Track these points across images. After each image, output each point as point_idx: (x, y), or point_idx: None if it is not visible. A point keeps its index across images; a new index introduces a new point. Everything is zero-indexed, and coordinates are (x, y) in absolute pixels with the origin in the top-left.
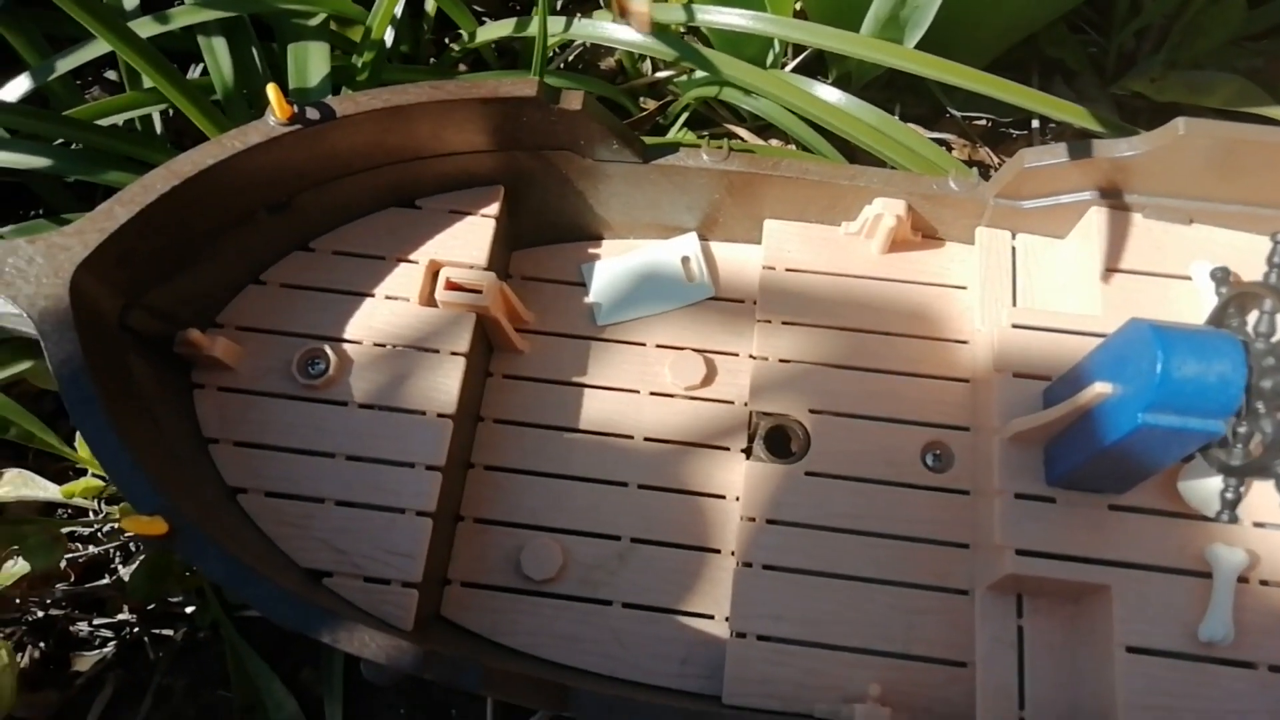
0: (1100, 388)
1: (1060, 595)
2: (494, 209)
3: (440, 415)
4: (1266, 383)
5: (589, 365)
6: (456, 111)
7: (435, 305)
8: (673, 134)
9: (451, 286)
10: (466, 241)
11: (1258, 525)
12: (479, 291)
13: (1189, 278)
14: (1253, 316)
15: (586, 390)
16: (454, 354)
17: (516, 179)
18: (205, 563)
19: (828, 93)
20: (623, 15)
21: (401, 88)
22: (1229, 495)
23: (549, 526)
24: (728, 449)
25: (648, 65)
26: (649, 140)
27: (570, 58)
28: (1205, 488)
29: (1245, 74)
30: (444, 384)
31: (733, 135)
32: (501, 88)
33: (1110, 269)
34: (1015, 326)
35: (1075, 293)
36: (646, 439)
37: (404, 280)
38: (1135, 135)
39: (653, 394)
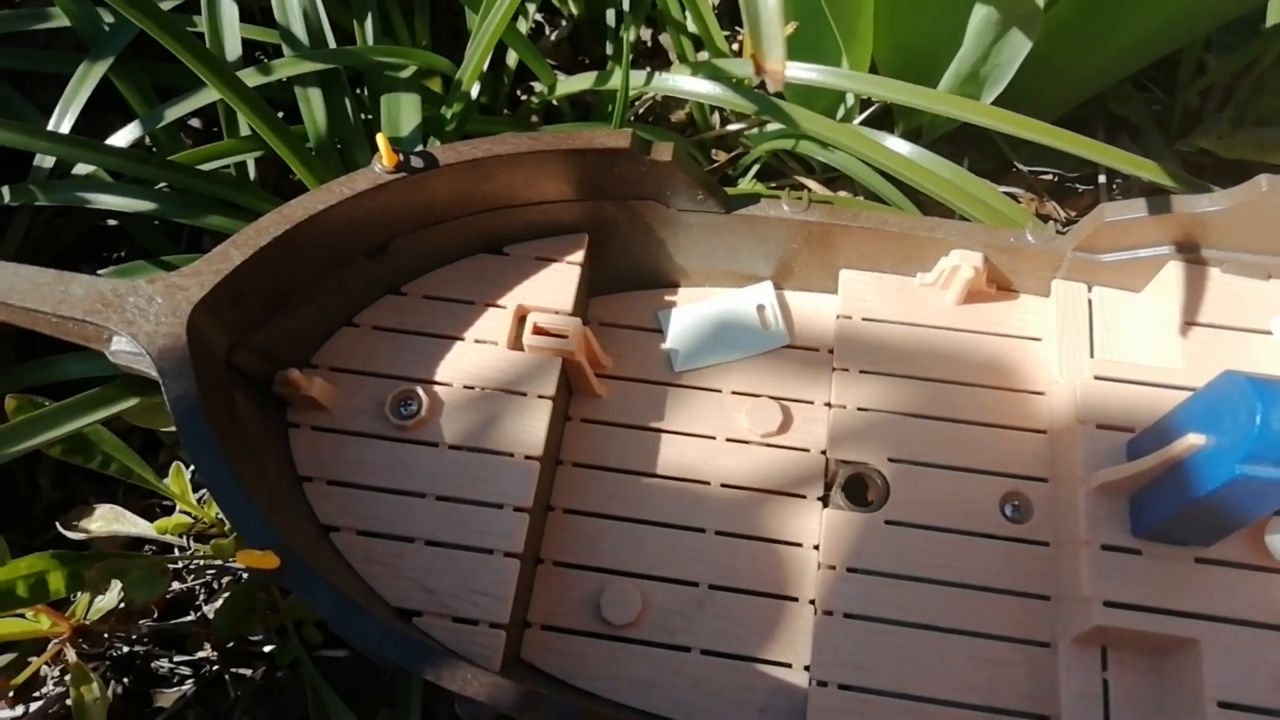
0: (1193, 439)
1: (1145, 649)
2: (579, 256)
3: (528, 457)
4: None
5: (666, 411)
6: (550, 162)
7: (522, 349)
8: (743, 185)
9: (538, 331)
10: (552, 288)
11: None
12: (565, 336)
13: (1269, 332)
14: None
15: (664, 435)
16: (541, 397)
17: (601, 227)
18: (315, 597)
19: (899, 145)
20: (759, 73)
21: (498, 138)
22: None
23: (627, 571)
24: (804, 497)
25: (716, 118)
26: (731, 191)
27: (641, 110)
28: None
29: None
30: (531, 426)
31: (803, 186)
32: (597, 139)
33: (1189, 322)
34: (1097, 378)
35: (1154, 346)
36: (723, 485)
37: (492, 324)
38: (1212, 191)
39: (729, 440)
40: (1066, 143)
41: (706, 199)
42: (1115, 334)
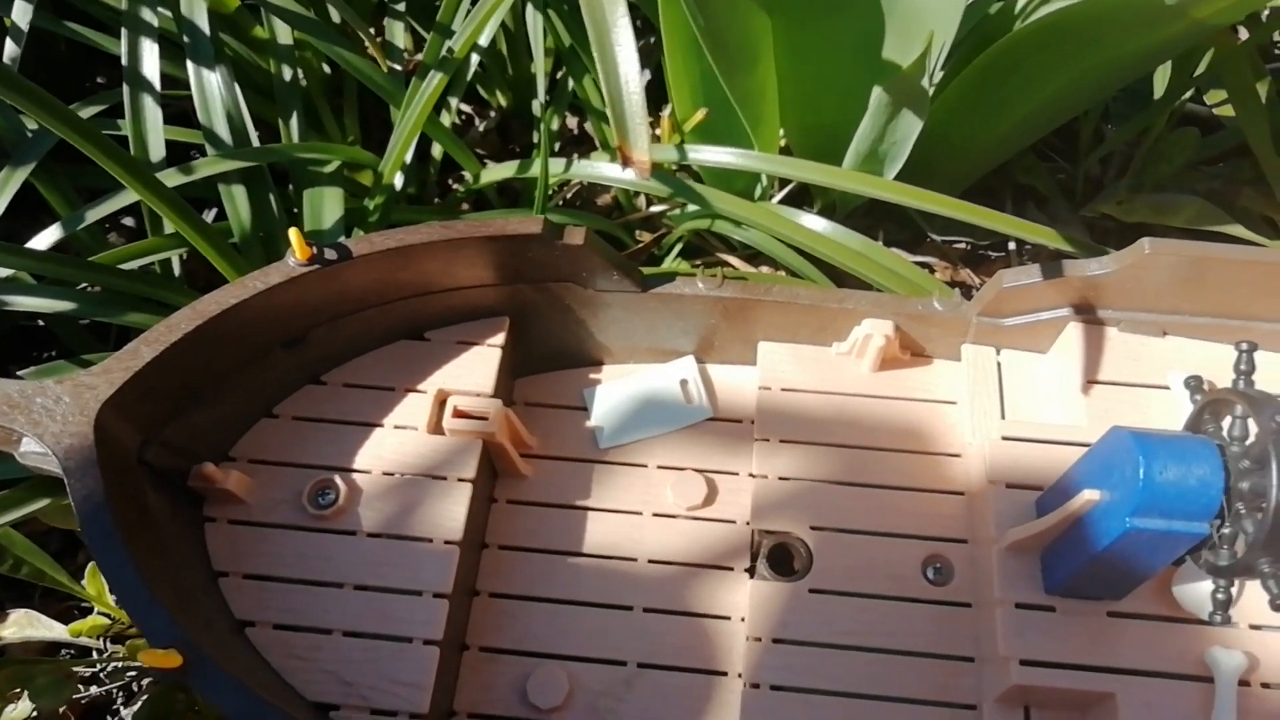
0: (1089, 494)
1: (1067, 705)
2: (500, 339)
3: (447, 542)
4: (1244, 484)
5: (592, 488)
6: (465, 249)
7: (443, 433)
8: (668, 264)
9: (459, 414)
10: (473, 371)
11: (1254, 627)
12: (485, 418)
13: (1166, 387)
14: (1226, 421)
15: (590, 513)
16: (461, 480)
17: (521, 310)
18: (220, 696)
19: (813, 222)
20: (625, 164)
21: (414, 228)
22: (1220, 596)
23: (555, 653)
24: (731, 569)
25: (642, 200)
26: (646, 270)
27: (569, 195)
28: (1199, 591)
29: (1205, 195)
30: (451, 511)
31: (725, 263)
32: (508, 226)
33: (1091, 381)
34: (1005, 439)
35: (1060, 405)
36: (650, 561)
37: (413, 410)
38: (1105, 254)
39: (655, 515)
40: (964, 212)
41: (622, 279)
42: (1024, 394)
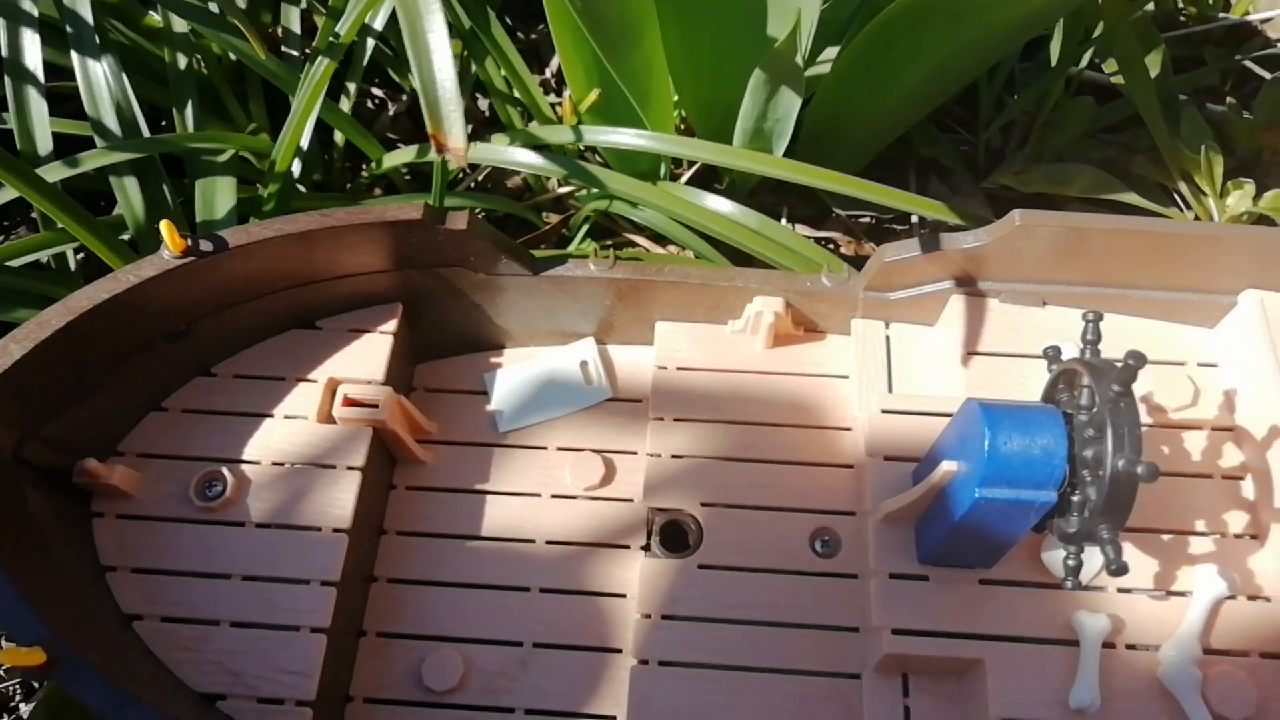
0: (947, 466)
1: (943, 673)
2: (391, 326)
3: (336, 530)
4: (1088, 452)
5: (491, 472)
6: (347, 237)
7: (333, 422)
8: (575, 246)
9: (349, 403)
10: (365, 358)
11: (1122, 591)
12: (375, 406)
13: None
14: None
15: (489, 497)
16: (350, 469)
17: (414, 296)
18: (84, 692)
19: (714, 201)
20: (439, 151)
21: (292, 217)
22: (1070, 563)
23: (452, 636)
24: (628, 547)
25: (554, 182)
26: (539, 253)
27: (480, 177)
28: (1062, 557)
29: (1100, 164)
30: (339, 499)
31: (632, 244)
32: (389, 213)
33: (971, 352)
34: (885, 411)
35: (942, 377)
36: (548, 542)
37: (303, 400)
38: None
39: (554, 496)
40: (849, 186)
41: (512, 262)
42: (911, 367)
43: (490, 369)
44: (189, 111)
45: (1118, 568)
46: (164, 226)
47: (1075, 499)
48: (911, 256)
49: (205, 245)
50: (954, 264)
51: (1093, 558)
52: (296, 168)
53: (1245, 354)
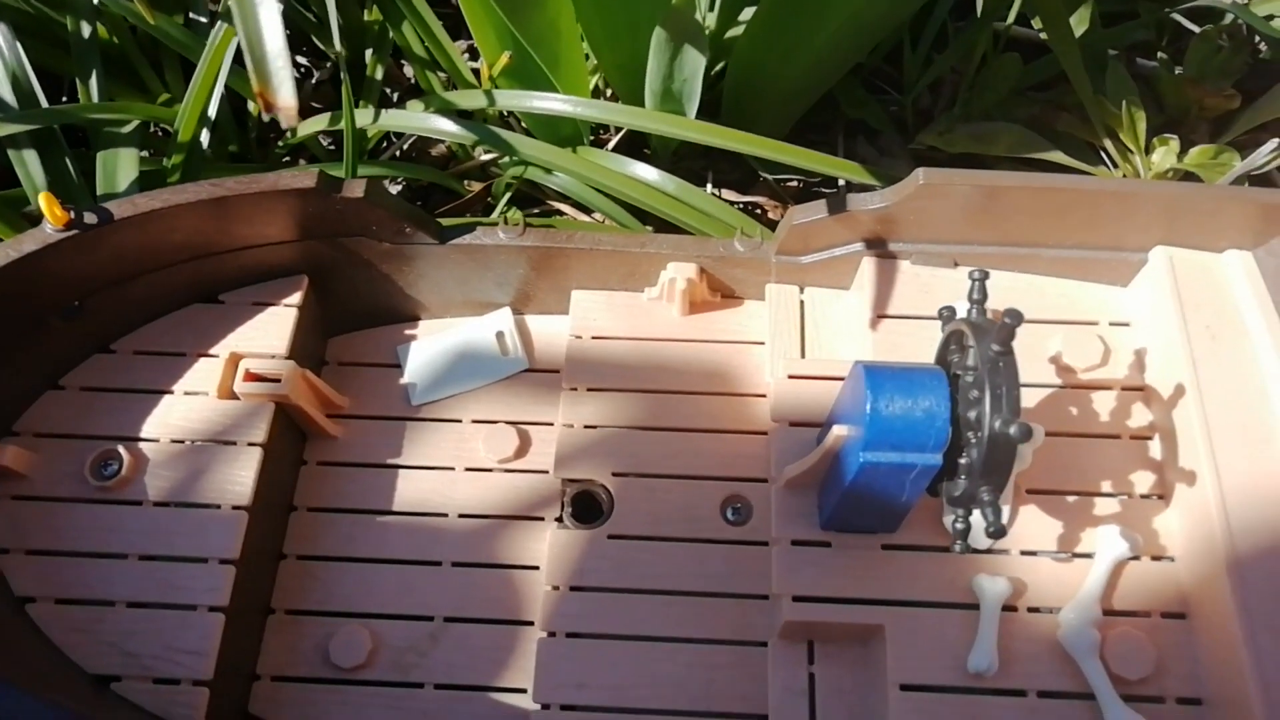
0: (838, 430)
1: (848, 639)
2: (296, 298)
3: (235, 508)
4: (971, 413)
5: (404, 446)
6: (241, 206)
7: (235, 398)
8: (497, 214)
9: (250, 377)
10: (268, 332)
11: (1025, 554)
12: (278, 380)
13: None
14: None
15: (401, 471)
16: (251, 445)
17: (319, 267)
18: None
19: (638, 168)
20: (268, 110)
21: (181, 187)
22: (959, 525)
23: (362, 612)
24: (543, 519)
25: (479, 151)
26: (446, 221)
27: (405, 146)
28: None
29: (1026, 122)
30: (239, 476)
31: (558, 212)
32: (282, 181)
33: (881, 315)
34: (791, 377)
35: (854, 341)
36: (461, 515)
37: (204, 375)
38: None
39: (468, 470)
40: (758, 147)
41: (416, 231)
42: (826, 332)
43: (404, 341)
44: (94, 81)
45: (995, 530)
46: (42, 199)
47: (963, 461)
48: (819, 219)
49: (90, 218)
50: (863, 225)
51: None
52: (205, 138)
53: (1155, 313)
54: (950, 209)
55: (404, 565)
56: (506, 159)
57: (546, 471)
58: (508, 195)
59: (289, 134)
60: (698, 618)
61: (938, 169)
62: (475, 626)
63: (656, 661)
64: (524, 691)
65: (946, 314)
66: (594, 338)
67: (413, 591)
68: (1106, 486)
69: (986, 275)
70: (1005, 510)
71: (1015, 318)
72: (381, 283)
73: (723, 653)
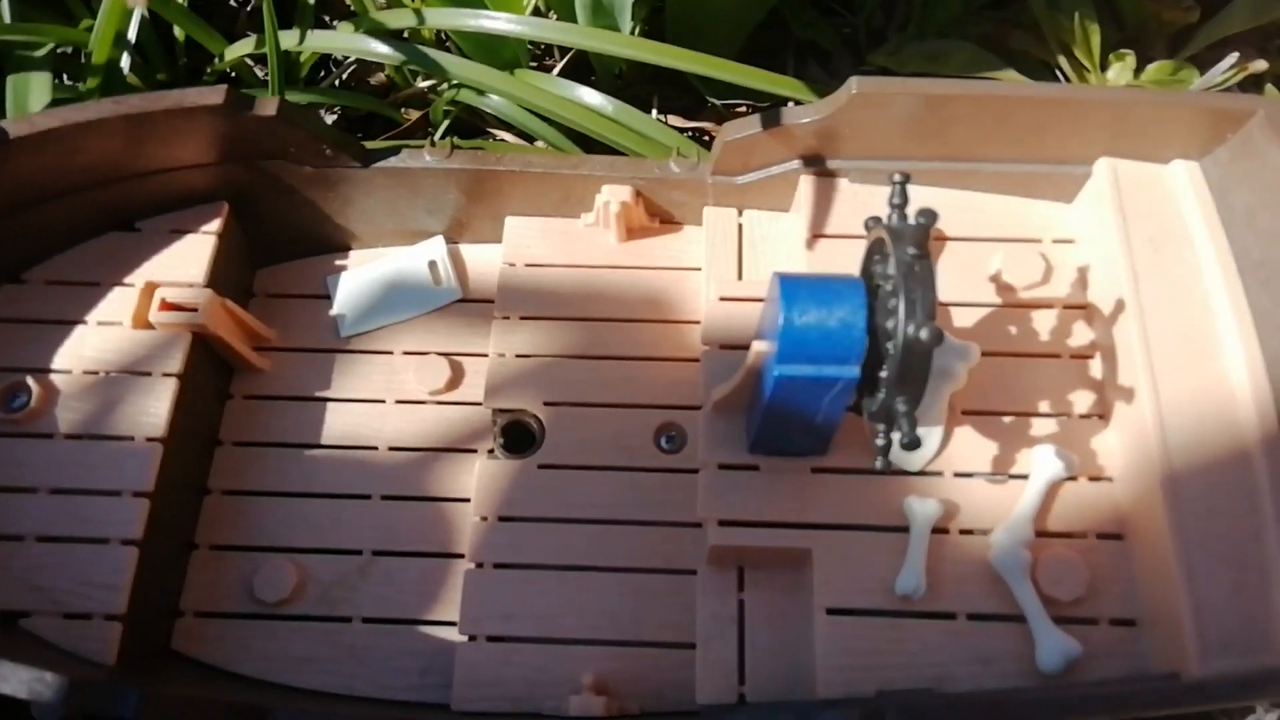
0: (758, 346)
1: (779, 565)
2: (215, 226)
3: (149, 440)
4: (889, 323)
5: (333, 379)
6: (149, 127)
7: (151, 327)
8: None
9: (166, 307)
10: (186, 260)
11: (960, 475)
12: (195, 310)
13: None
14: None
15: (330, 404)
16: (166, 375)
17: (240, 194)
18: None
19: (578, 91)
20: (132, 2)
21: (82, 105)
22: (879, 442)
23: (288, 547)
24: (475, 451)
25: (420, 79)
26: (370, 144)
27: (344, 75)
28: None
29: (979, 40)
30: (154, 407)
31: (499, 140)
32: (187, 98)
33: (818, 235)
34: (723, 299)
35: (790, 263)
36: (391, 448)
37: (119, 305)
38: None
39: (399, 402)
40: (691, 63)
41: (337, 154)
42: (765, 256)
43: (335, 272)
44: (5, 4)
45: (910, 441)
46: None
47: (883, 375)
48: (752, 134)
49: None
50: (799, 141)
51: (928, 440)
52: (126, 63)
53: (1098, 227)
54: (888, 122)
55: (332, 499)
56: (447, 86)
57: (479, 403)
58: (446, 123)
59: (218, 59)
60: (629, 547)
61: (872, 78)
62: (405, 560)
63: (586, 591)
64: (453, 624)
65: (871, 223)
66: (528, 265)
67: (341, 525)
68: (1045, 406)
69: (907, 178)
70: (938, 431)
71: (929, 217)
72: (308, 210)
73: (654, 581)
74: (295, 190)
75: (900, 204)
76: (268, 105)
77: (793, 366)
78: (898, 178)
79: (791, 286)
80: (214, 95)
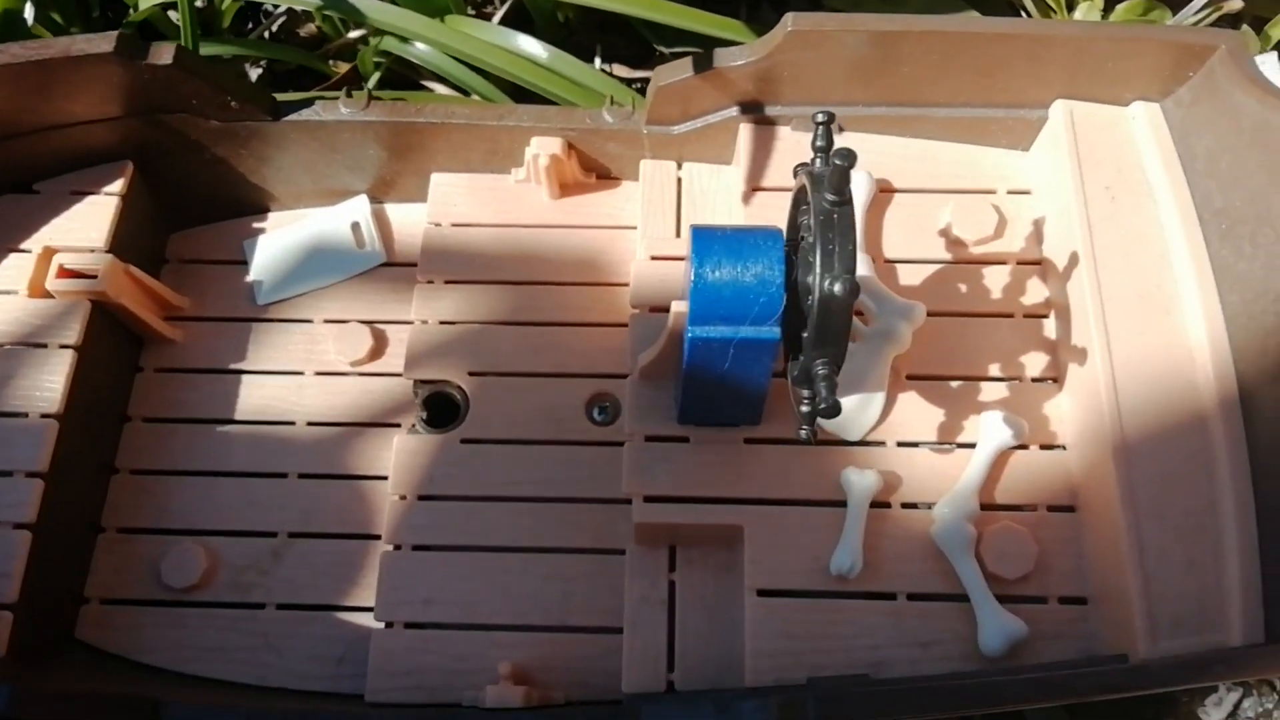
0: (678, 307)
1: (713, 543)
2: (118, 186)
3: (44, 416)
4: (810, 277)
5: (249, 350)
6: (35, 78)
7: (49, 296)
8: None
9: (65, 274)
10: (87, 224)
11: (903, 445)
12: (94, 276)
13: None
14: None
15: (246, 377)
16: (63, 347)
17: (146, 151)
18: None
19: (518, 40)
20: None
21: None
22: (804, 409)
23: (199, 530)
24: (398, 425)
25: (352, 29)
26: (282, 96)
27: (274, 27)
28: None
29: None
30: (48, 381)
31: (430, 93)
32: (74, 46)
33: (755, 188)
34: (654, 258)
35: (731, 219)
36: (310, 424)
37: (15, 272)
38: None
39: (319, 374)
40: (629, 5)
41: (245, 106)
42: (704, 211)
43: (253, 235)
44: None
45: (828, 408)
46: None
47: (807, 335)
48: (684, 79)
49: None
50: (736, 86)
51: (868, 408)
52: (29, 12)
53: (1054, 175)
54: (830, 64)
55: (247, 478)
56: (377, 38)
57: (403, 374)
58: (377, 75)
59: (133, 9)
60: (558, 526)
61: (809, 14)
62: (322, 542)
63: (510, 574)
64: (372, 610)
65: (799, 170)
66: (454, 225)
67: (256, 506)
68: (996, 370)
69: (831, 117)
70: (880, 397)
71: (846, 158)
72: (220, 169)
73: (584, 563)
74: (204, 147)
75: (824, 147)
76: (163, 53)
77: (706, 328)
78: (820, 117)
79: (705, 240)
80: (104, 43)
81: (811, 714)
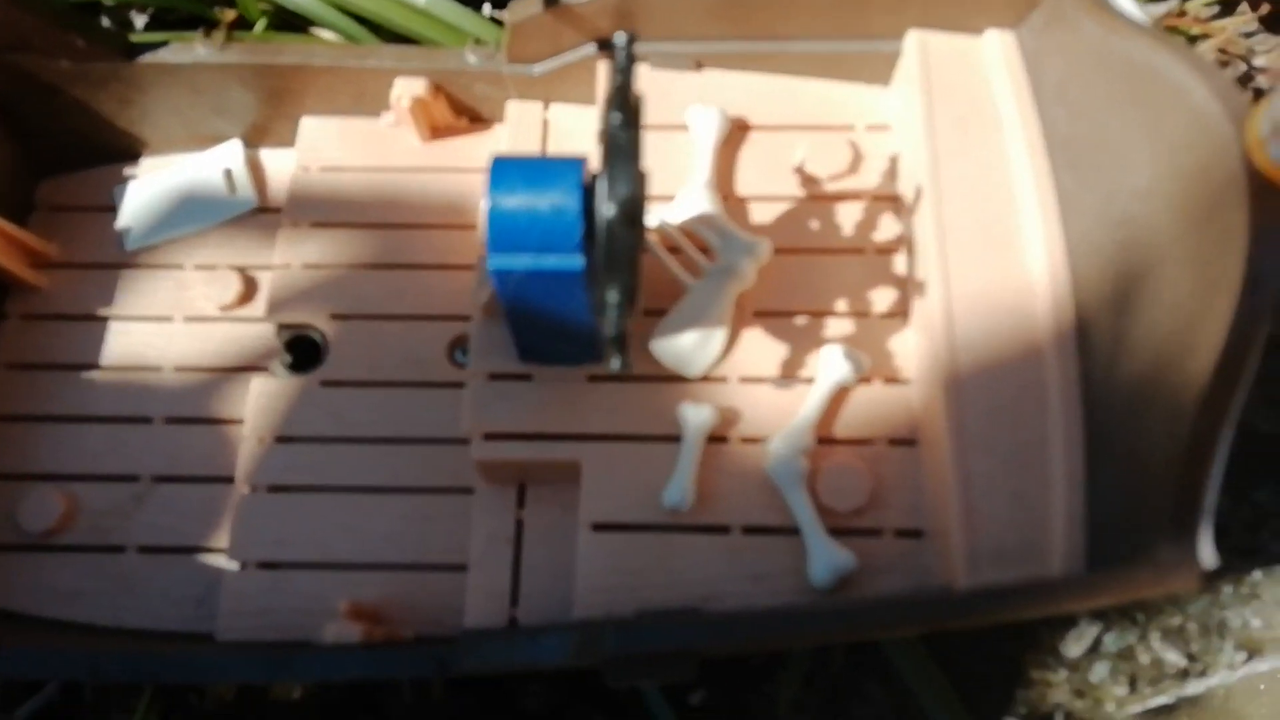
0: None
1: (560, 481)
2: None
3: None
4: (606, 208)
5: (117, 296)
6: None
7: None
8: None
9: None
10: None
11: (746, 380)
12: None
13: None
14: None
15: (113, 323)
16: None
17: (1, 96)
18: None
19: None
20: None
21: None
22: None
23: (61, 474)
24: (266, 370)
25: None
26: (136, 36)
27: None
28: (676, 345)
29: None
30: None
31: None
32: None
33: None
34: None
35: (592, 161)
36: (178, 369)
37: None
38: None
39: (187, 319)
40: None
41: (93, 46)
42: (570, 152)
43: (124, 181)
44: None
45: (617, 335)
46: None
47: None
48: (534, 15)
49: None
50: (588, 23)
51: (709, 343)
52: None
53: (907, 109)
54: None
55: (111, 423)
56: None
57: None
58: (263, 22)
59: None
60: (415, 467)
61: None
62: (186, 486)
63: (366, 514)
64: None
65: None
66: (323, 169)
67: (119, 451)
68: (845, 306)
69: (632, 39)
70: (721, 333)
71: (622, 76)
72: (81, 113)
73: (439, 502)
74: (59, 89)
75: (624, 67)
76: None
77: (506, 257)
78: (619, 40)
79: (502, 168)
80: None
81: (610, 643)
